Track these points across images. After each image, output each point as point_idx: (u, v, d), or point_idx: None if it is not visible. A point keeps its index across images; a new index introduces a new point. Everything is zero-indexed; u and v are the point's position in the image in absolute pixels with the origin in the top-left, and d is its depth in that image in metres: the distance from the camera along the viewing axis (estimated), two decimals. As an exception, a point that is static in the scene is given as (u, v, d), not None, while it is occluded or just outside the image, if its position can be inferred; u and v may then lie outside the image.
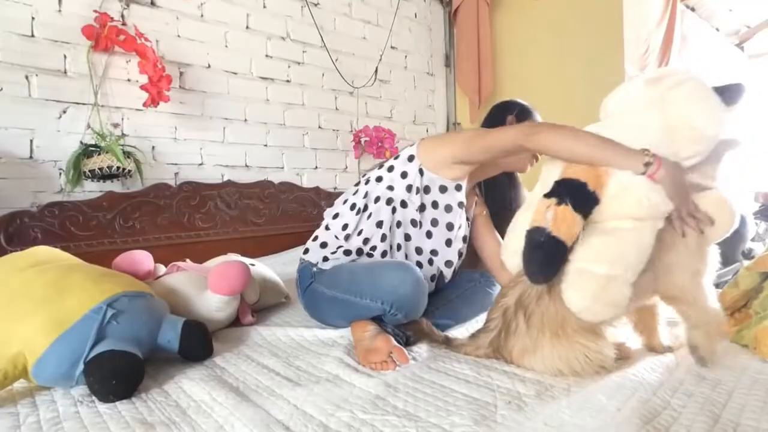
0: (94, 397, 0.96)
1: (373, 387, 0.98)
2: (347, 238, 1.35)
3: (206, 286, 1.37)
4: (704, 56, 3.88)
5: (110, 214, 1.88)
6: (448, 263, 1.38)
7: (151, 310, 1.15)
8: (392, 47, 2.99)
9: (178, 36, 2.13)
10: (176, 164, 2.13)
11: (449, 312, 1.38)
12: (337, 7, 2.73)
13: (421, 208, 1.33)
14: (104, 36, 1.82)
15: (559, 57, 2.86)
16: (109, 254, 1.53)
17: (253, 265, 1.64)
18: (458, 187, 1.33)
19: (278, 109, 2.48)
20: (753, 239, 3.08)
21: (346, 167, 2.79)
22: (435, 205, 1.34)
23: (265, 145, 2.43)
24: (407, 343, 1.23)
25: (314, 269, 1.34)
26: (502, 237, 1.52)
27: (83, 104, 1.87)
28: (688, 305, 1.06)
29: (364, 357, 1.12)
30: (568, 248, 0.98)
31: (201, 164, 2.21)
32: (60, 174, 1.83)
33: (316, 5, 2.61)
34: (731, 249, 2.80)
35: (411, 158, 1.32)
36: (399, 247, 1.34)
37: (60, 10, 1.83)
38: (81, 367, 0.97)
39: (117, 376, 0.96)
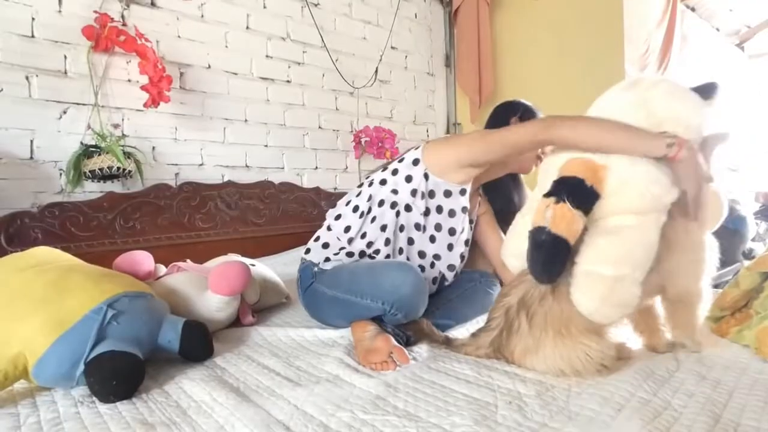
0: (94, 398, 0.96)
1: (373, 387, 0.98)
2: (350, 241, 1.35)
3: (206, 287, 1.37)
4: (704, 56, 3.88)
5: (111, 215, 1.89)
6: (450, 267, 1.38)
7: (152, 311, 1.15)
8: (392, 47, 2.99)
9: (179, 36, 2.13)
10: (176, 165, 2.13)
11: (449, 312, 1.38)
12: (337, 8, 2.73)
13: (426, 212, 1.33)
14: (104, 36, 1.82)
15: (559, 57, 2.86)
16: (110, 255, 1.53)
17: (253, 265, 1.64)
18: (462, 192, 1.33)
19: (278, 110, 2.48)
20: (753, 239, 3.07)
21: (347, 167, 2.79)
22: (439, 209, 1.34)
23: (266, 146, 2.43)
24: (407, 343, 1.22)
25: (315, 269, 1.34)
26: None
27: (83, 105, 1.87)
28: (685, 307, 1.07)
29: (365, 357, 1.12)
30: (571, 246, 0.98)
31: (201, 165, 2.21)
32: (60, 174, 1.84)
33: (316, 5, 2.61)
34: (732, 249, 2.80)
35: (416, 162, 1.32)
36: (401, 250, 1.34)
37: (60, 11, 1.83)
38: (81, 367, 0.97)
39: (117, 376, 0.96)
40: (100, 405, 0.95)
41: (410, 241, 1.35)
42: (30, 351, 0.96)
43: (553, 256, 0.98)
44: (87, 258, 1.29)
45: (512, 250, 1.18)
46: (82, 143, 1.84)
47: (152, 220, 1.99)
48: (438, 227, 1.35)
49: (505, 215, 1.62)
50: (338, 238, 1.37)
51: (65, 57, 1.83)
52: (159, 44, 2.05)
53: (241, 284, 1.37)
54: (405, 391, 0.96)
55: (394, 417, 0.85)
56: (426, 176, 1.30)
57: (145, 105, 1.88)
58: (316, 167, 2.65)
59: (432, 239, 1.35)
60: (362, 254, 1.33)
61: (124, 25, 1.92)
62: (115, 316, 1.04)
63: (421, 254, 1.36)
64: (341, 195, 1.45)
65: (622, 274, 0.96)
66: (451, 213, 1.35)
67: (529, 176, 1.57)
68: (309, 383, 1.01)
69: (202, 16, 2.20)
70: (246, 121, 2.35)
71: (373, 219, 1.33)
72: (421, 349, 1.20)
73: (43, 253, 1.21)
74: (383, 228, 1.32)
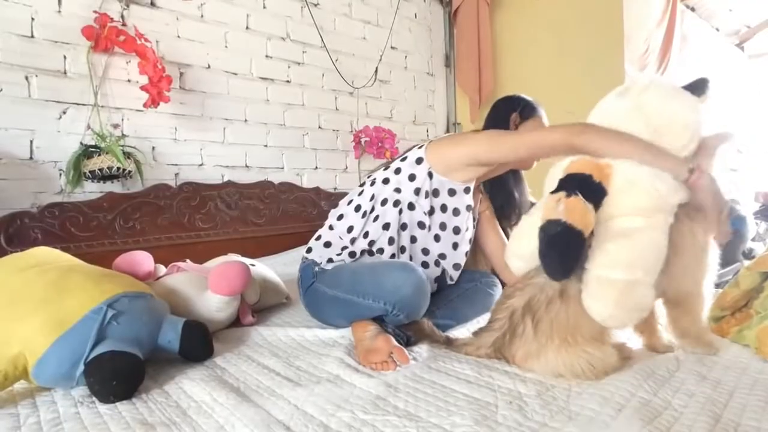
0: (94, 398, 0.96)
1: (373, 387, 0.97)
2: (353, 240, 1.35)
3: (206, 287, 1.37)
4: (704, 56, 3.88)
5: (110, 215, 1.88)
6: (456, 266, 1.39)
7: (152, 311, 1.15)
8: (392, 47, 2.99)
9: (178, 36, 2.12)
10: (176, 165, 2.13)
11: (450, 312, 1.38)
12: (337, 8, 2.73)
13: (430, 211, 1.33)
14: (104, 37, 1.82)
15: (559, 57, 2.86)
16: (110, 255, 1.53)
17: (253, 265, 1.64)
18: (467, 190, 1.34)
19: (278, 110, 2.47)
20: (753, 239, 3.08)
21: (347, 167, 2.79)
22: (444, 208, 1.34)
23: (265, 146, 2.43)
24: (408, 343, 1.22)
25: (316, 269, 1.34)
26: (507, 232, 1.52)
27: (83, 105, 1.87)
28: (686, 312, 1.07)
29: (365, 357, 1.11)
30: (585, 238, 0.96)
31: (201, 165, 2.21)
32: (60, 175, 1.83)
33: (316, 5, 2.61)
34: (732, 249, 2.80)
35: (419, 161, 1.32)
36: (404, 249, 1.34)
37: (60, 11, 1.83)
38: (81, 367, 0.97)
39: (117, 376, 0.96)
40: (100, 405, 0.94)
41: (413, 239, 1.34)
42: (30, 351, 0.96)
43: (568, 248, 0.96)
44: (87, 258, 1.29)
45: (516, 251, 1.17)
46: (81, 143, 1.84)
47: (152, 221, 1.99)
48: (443, 226, 1.35)
49: (505, 211, 1.62)
50: (340, 238, 1.37)
51: (65, 57, 1.83)
52: (159, 44, 2.05)
53: (241, 284, 1.37)
54: (405, 391, 0.96)
55: (394, 417, 0.85)
56: (430, 175, 1.30)
57: (144, 105, 1.88)
58: (316, 167, 2.65)
59: (437, 238, 1.35)
60: (365, 253, 1.33)
61: (123, 25, 1.92)
62: (115, 316, 1.04)
63: (425, 252, 1.36)
64: (341, 195, 1.45)
65: (635, 278, 0.95)
66: (456, 211, 1.35)
67: (529, 172, 1.57)
68: (309, 383, 1.01)
69: (202, 16, 2.20)
70: (246, 121, 2.35)
71: (376, 218, 1.33)
72: (422, 349, 1.20)
73: (43, 253, 1.21)
74: (386, 226, 1.32)
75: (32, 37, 1.77)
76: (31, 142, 1.78)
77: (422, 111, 3.22)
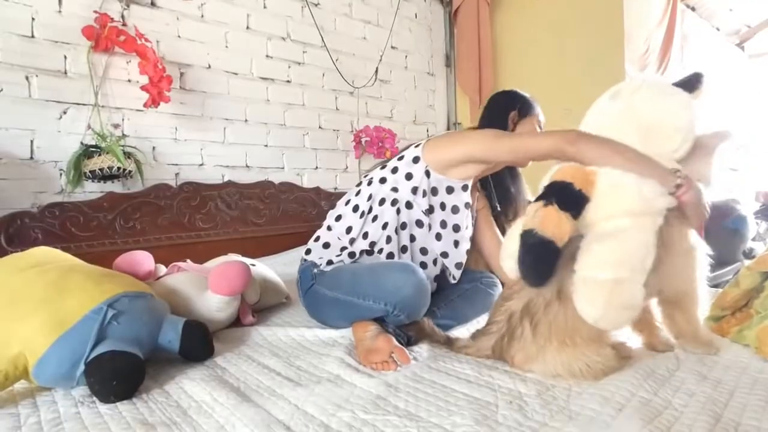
0: (94, 398, 0.96)
1: (374, 387, 0.97)
2: (352, 241, 1.34)
3: (207, 287, 1.37)
4: (704, 56, 3.88)
5: (111, 215, 1.88)
6: (458, 265, 1.39)
7: (152, 311, 1.15)
8: (392, 47, 2.99)
9: (179, 36, 2.12)
10: (177, 165, 2.13)
11: (451, 312, 1.38)
12: (338, 8, 2.73)
13: (430, 210, 1.33)
14: (104, 36, 1.82)
15: (559, 57, 2.86)
16: (110, 255, 1.53)
17: (253, 265, 1.64)
18: (465, 187, 1.34)
19: (278, 110, 2.48)
20: (754, 239, 3.07)
21: (347, 167, 2.79)
22: (443, 206, 1.34)
23: (266, 146, 2.43)
24: (409, 343, 1.22)
25: (315, 270, 1.34)
26: (504, 229, 1.52)
27: (83, 105, 1.87)
28: (681, 310, 1.08)
29: (365, 357, 1.11)
30: (559, 248, 0.98)
31: (201, 165, 2.21)
32: (60, 175, 1.84)
33: (316, 5, 2.61)
34: (732, 249, 2.80)
35: (416, 159, 1.32)
36: (405, 249, 1.34)
37: (60, 11, 1.83)
38: (82, 367, 0.97)
39: (118, 376, 0.96)
40: (101, 405, 0.95)
41: (412, 238, 1.35)
42: (30, 351, 0.96)
43: (540, 258, 0.99)
44: (87, 258, 1.29)
45: (510, 252, 1.17)
46: (82, 143, 1.84)
47: (152, 220, 1.99)
48: (443, 224, 1.35)
49: (502, 208, 1.61)
50: (339, 238, 1.37)
51: (65, 57, 1.83)
52: (159, 44, 2.05)
53: (241, 284, 1.37)
54: (406, 390, 0.96)
55: (394, 417, 0.85)
56: (428, 173, 1.30)
57: (145, 105, 1.88)
58: (317, 167, 2.65)
59: (438, 237, 1.35)
60: (364, 254, 1.33)
61: (124, 25, 1.92)
62: (116, 316, 1.04)
63: (424, 251, 1.36)
64: (341, 195, 1.45)
65: (622, 277, 0.95)
66: (455, 209, 1.35)
67: (527, 169, 1.56)
68: (310, 383, 1.01)
69: (202, 16, 2.20)
70: (246, 121, 2.35)
71: (374, 218, 1.33)
72: (422, 349, 1.20)
73: (43, 253, 1.21)
74: (384, 226, 1.32)
75: (32, 37, 1.77)
76: (32, 142, 1.78)
77: (422, 111, 3.22)
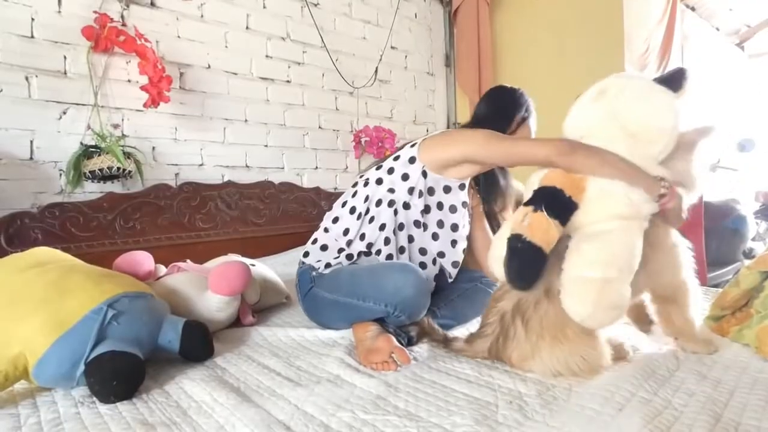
0: (94, 398, 0.96)
1: (374, 387, 0.97)
2: (349, 243, 1.34)
3: (207, 287, 1.37)
4: (704, 56, 3.88)
5: (111, 215, 1.88)
6: (455, 264, 1.38)
7: (152, 311, 1.15)
8: (392, 47, 2.99)
9: (178, 36, 2.12)
10: (176, 165, 2.13)
11: (451, 312, 1.38)
12: (337, 7, 2.73)
13: (426, 210, 1.32)
14: (104, 37, 1.82)
15: (559, 57, 2.86)
16: (110, 255, 1.53)
17: (253, 265, 1.64)
18: (462, 186, 1.34)
19: (278, 110, 2.47)
20: (753, 238, 3.07)
21: (347, 167, 2.79)
22: (440, 206, 1.34)
23: (266, 146, 2.43)
24: (409, 343, 1.22)
25: (314, 273, 1.34)
26: (493, 218, 1.52)
27: (83, 105, 1.87)
28: (675, 305, 1.09)
29: (366, 357, 1.11)
30: (546, 254, 0.99)
31: (201, 165, 2.21)
32: (60, 175, 1.83)
33: (316, 5, 2.61)
34: (732, 248, 2.80)
35: (412, 160, 1.31)
36: (402, 249, 1.33)
37: (60, 11, 1.83)
38: (82, 367, 0.97)
39: (118, 376, 0.96)
40: (101, 405, 0.95)
41: (410, 239, 1.34)
42: (30, 351, 0.96)
43: (527, 264, 1.00)
44: (87, 258, 1.29)
45: (497, 255, 1.18)
46: (82, 143, 1.84)
47: (152, 221, 1.99)
48: (440, 224, 1.35)
49: (489, 197, 1.57)
50: (336, 240, 1.36)
51: (65, 57, 1.83)
52: (159, 44, 2.05)
53: (241, 284, 1.37)
54: (406, 391, 0.96)
55: (394, 417, 0.85)
56: (424, 174, 1.30)
57: (144, 105, 1.88)
58: (316, 167, 2.65)
59: (435, 237, 1.35)
60: (362, 255, 1.33)
61: (123, 25, 1.92)
62: (116, 316, 1.04)
63: (422, 251, 1.36)
64: (341, 195, 1.45)
65: (610, 277, 0.97)
66: (452, 209, 1.35)
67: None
68: (309, 383, 1.01)
69: (202, 16, 2.20)
70: (246, 121, 2.35)
71: (372, 219, 1.33)
72: (422, 349, 1.20)
73: (43, 253, 1.21)
74: (382, 227, 1.31)
75: (32, 37, 1.77)
76: (32, 142, 1.78)
77: (422, 111, 3.22)
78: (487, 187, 1.57)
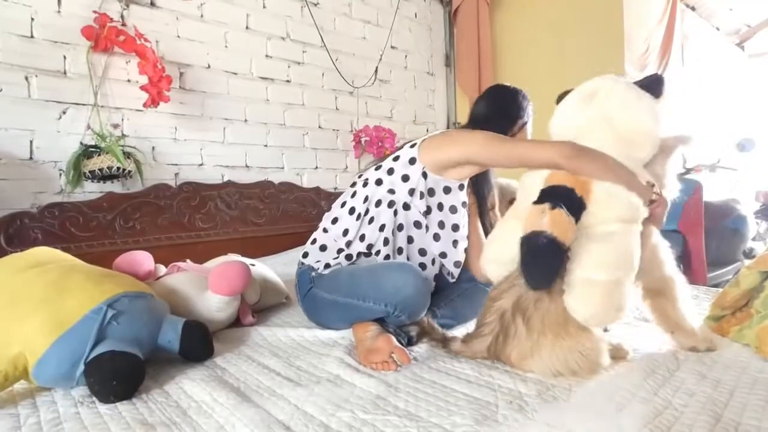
0: (94, 398, 0.96)
1: (374, 387, 0.97)
2: (349, 244, 1.34)
3: (207, 287, 1.37)
4: (704, 56, 3.88)
5: (110, 215, 1.88)
6: (457, 263, 1.38)
7: (152, 311, 1.15)
8: (392, 47, 2.99)
9: (178, 36, 2.12)
10: (176, 165, 2.13)
11: (451, 312, 1.38)
12: (337, 7, 2.73)
13: (427, 211, 1.32)
14: (104, 37, 1.82)
15: (559, 57, 2.86)
16: (110, 255, 1.53)
17: (253, 265, 1.64)
18: (461, 187, 1.34)
19: (278, 109, 2.47)
20: (753, 238, 3.07)
21: (347, 167, 2.79)
22: (440, 207, 1.34)
23: (266, 146, 2.43)
24: (409, 343, 1.22)
25: (313, 274, 1.34)
26: (488, 223, 1.51)
27: (83, 105, 1.87)
28: (668, 299, 1.11)
29: (365, 357, 1.11)
30: (567, 250, 0.98)
31: (201, 165, 2.21)
32: (60, 175, 1.83)
33: (316, 5, 2.61)
34: (732, 248, 2.80)
35: (413, 161, 1.31)
36: (401, 250, 1.33)
37: (59, 11, 1.83)
38: (81, 367, 0.97)
39: (117, 376, 0.96)
40: (100, 405, 0.94)
41: (410, 240, 1.34)
42: (30, 351, 0.96)
43: (552, 260, 0.98)
44: (87, 258, 1.29)
45: (495, 256, 1.18)
46: (81, 143, 1.84)
47: (152, 220, 1.99)
48: (441, 224, 1.34)
49: (486, 195, 1.56)
50: (335, 241, 1.36)
51: (65, 57, 1.83)
52: (159, 44, 2.05)
53: (241, 284, 1.37)
54: (406, 390, 0.96)
55: (394, 417, 0.85)
56: (425, 175, 1.30)
57: (144, 105, 1.88)
58: (316, 167, 2.65)
59: (436, 237, 1.35)
60: (361, 255, 1.33)
61: (123, 25, 1.92)
62: (115, 316, 1.04)
63: (422, 252, 1.35)
64: (341, 195, 1.45)
65: (616, 279, 0.98)
66: (453, 209, 1.35)
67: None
68: (309, 383, 1.01)
69: (202, 16, 2.20)
70: (246, 121, 2.35)
71: (371, 220, 1.32)
72: (422, 349, 1.20)
73: (43, 253, 1.21)
74: (381, 228, 1.31)
75: (32, 37, 1.77)
76: (31, 142, 1.78)
77: (422, 110, 3.22)
78: (483, 185, 1.56)
